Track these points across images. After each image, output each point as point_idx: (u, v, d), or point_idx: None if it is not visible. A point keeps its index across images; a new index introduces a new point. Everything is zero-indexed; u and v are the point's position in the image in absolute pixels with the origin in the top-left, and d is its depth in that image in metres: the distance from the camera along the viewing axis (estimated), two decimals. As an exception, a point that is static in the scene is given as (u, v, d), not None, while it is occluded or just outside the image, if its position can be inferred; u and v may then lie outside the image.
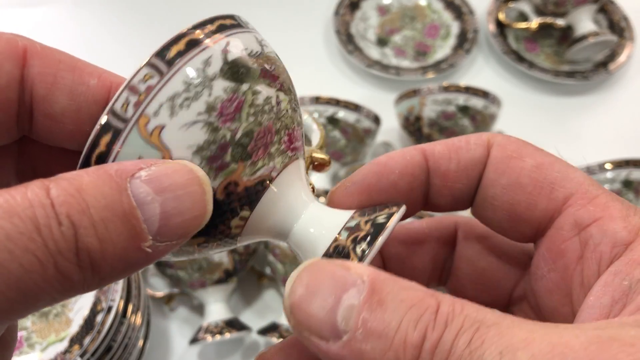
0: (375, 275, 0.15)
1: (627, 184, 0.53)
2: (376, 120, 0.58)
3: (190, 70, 0.17)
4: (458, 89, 0.57)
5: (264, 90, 0.18)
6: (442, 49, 0.71)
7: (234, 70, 0.17)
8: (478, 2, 0.73)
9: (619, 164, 0.53)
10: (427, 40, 0.73)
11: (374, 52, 0.71)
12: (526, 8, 0.71)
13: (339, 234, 0.18)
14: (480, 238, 0.22)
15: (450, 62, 0.68)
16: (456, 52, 0.70)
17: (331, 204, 0.20)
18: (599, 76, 0.68)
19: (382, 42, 0.73)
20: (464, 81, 0.69)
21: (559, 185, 0.18)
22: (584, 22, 0.68)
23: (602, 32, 0.67)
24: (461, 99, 0.57)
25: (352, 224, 0.18)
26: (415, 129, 0.59)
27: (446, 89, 0.57)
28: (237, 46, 0.18)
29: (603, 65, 0.69)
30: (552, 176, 0.19)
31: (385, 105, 0.61)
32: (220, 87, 0.17)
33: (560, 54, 0.71)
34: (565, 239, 0.18)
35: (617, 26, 0.71)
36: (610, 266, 0.17)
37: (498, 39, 0.71)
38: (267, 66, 0.18)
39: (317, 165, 0.23)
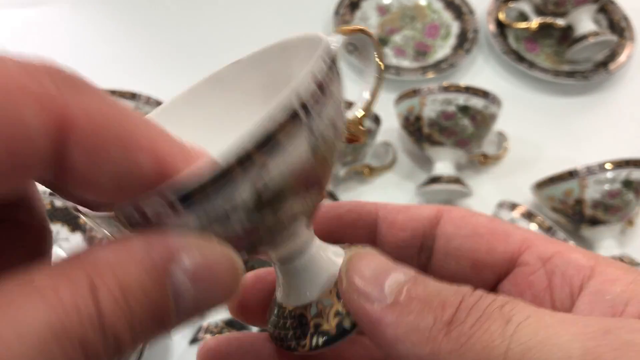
0: (421, 273, 0.18)
1: (627, 184, 0.53)
2: (376, 120, 0.58)
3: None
4: (458, 89, 0.57)
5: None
6: (442, 49, 0.71)
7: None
8: (478, 2, 0.73)
9: (619, 164, 0.53)
10: (427, 40, 0.73)
11: (374, 52, 0.71)
12: (526, 8, 0.71)
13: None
14: (461, 220, 0.23)
15: (450, 62, 0.68)
16: (456, 52, 0.70)
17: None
18: (599, 76, 0.68)
19: (382, 41, 0.72)
20: (464, 81, 0.69)
21: (513, 233, 0.22)
22: (584, 22, 0.68)
23: (602, 32, 0.67)
24: (461, 99, 0.57)
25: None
26: (415, 129, 0.59)
27: (446, 89, 0.57)
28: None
29: (603, 65, 0.69)
30: (505, 226, 0.22)
31: (385, 105, 0.61)
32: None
33: (560, 54, 0.71)
34: (532, 272, 0.21)
35: (617, 26, 0.71)
36: (585, 288, 0.19)
37: (498, 38, 0.70)
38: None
39: (348, 139, 0.23)
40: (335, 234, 0.23)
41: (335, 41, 0.19)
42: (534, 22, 0.70)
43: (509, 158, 0.63)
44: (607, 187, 0.53)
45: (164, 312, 0.14)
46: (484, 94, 0.57)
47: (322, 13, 0.74)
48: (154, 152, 0.14)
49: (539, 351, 0.15)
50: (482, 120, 0.58)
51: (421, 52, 0.72)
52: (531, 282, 0.21)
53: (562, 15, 0.69)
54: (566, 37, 0.71)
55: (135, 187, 0.14)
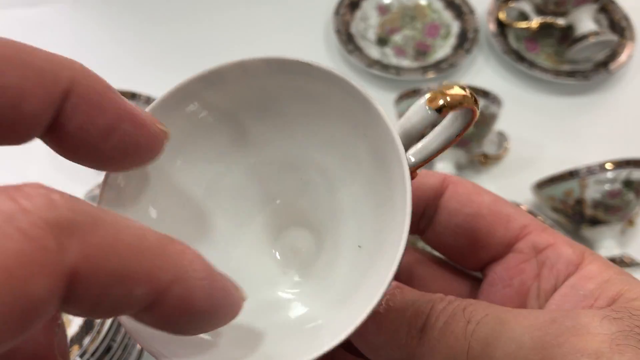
0: (400, 283, 0.20)
1: (628, 184, 0.53)
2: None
3: None
4: (458, 89, 0.57)
5: None
6: (443, 49, 0.71)
7: None
8: (478, 2, 0.73)
9: (620, 164, 0.53)
10: (427, 40, 0.73)
11: (374, 52, 0.71)
12: (526, 8, 0.71)
13: None
14: (464, 196, 0.24)
15: (450, 62, 0.68)
16: (456, 52, 0.70)
17: None
18: (600, 76, 0.68)
19: (382, 41, 0.72)
20: (464, 81, 0.69)
21: (514, 218, 0.22)
22: (585, 21, 0.67)
23: (603, 32, 0.67)
24: (461, 99, 0.56)
25: None
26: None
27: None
28: None
29: (604, 64, 0.69)
30: (507, 210, 0.23)
31: (385, 105, 0.61)
32: None
33: (560, 53, 0.71)
34: (525, 259, 0.21)
35: (618, 26, 0.71)
36: (566, 281, 0.20)
37: (498, 38, 0.70)
38: None
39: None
40: None
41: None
42: (535, 22, 0.70)
43: (510, 158, 0.63)
44: (607, 187, 0.53)
45: None
46: (484, 93, 0.57)
47: (322, 13, 0.74)
48: (150, 283, 0.13)
49: (495, 346, 0.17)
50: (482, 120, 0.58)
51: (421, 51, 0.72)
52: (522, 270, 0.21)
53: (562, 15, 0.69)
54: (566, 36, 0.71)
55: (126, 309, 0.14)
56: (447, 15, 0.74)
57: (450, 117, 0.19)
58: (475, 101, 0.19)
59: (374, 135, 0.19)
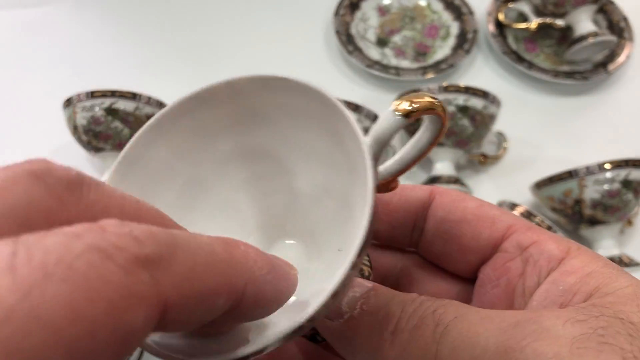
0: (377, 284, 0.20)
1: (626, 184, 0.53)
2: (376, 120, 0.58)
3: None
4: (458, 89, 0.57)
5: None
6: (442, 50, 0.71)
7: None
8: (478, 3, 0.74)
9: (619, 164, 0.53)
10: (427, 41, 0.73)
11: (373, 53, 0.71)
12: (526, 8, 0.72)
13: None
14: (451, 204, 0.24)
15: (449, 62, 0.69)
16: (456, 52, 0.70)
17: None
18: (599, 76, 0.68)
19: (382, 42, 0.73)
20: (463, 81, 0.69)
21: (499, 219, 0.22)
22: (584, 22, 0.68)
23: (602, 33, 0.68)
24: (461, 99, 0.57)
25: None
26: (415, 128, 0.59)
27: (446, 89, 0.57)
28: None
29: (602, 65, 0.69)
30: (492, 213, 0.23)
31: (385, 106, 0.61)
32: None
33: (559, 54, 0.72)
34: (510, 258, 0.22)
35: (617, 26, 0.72)
36: (548, 277, 0.20)
37: (498, 39, 0.71)
38: None
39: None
40: None
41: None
42: (534, 23, 0.70)
43: (509, 158, 0.63)
44: (606, 187, 0.53)
45: None
46: (483, 94, 0.57)
47: (322, 13, 0.74)
48: (229, 292, 0.14)
49: (462, 350, 0.17)
50: (481, 121, 0.58)
51: (421, 52, 0.72)
52: (508, 268, 0.22)
53: (561, 15, 0.69)
54: (565, 37, 0.71)
55: (209, 319, 0.15)
56: (447, 16, 0.74)
57: (422, 128, 0.21)
58: (443, 109, 0.20)
59: (347, 144, 0.20)
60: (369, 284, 0.20)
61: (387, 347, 0.18)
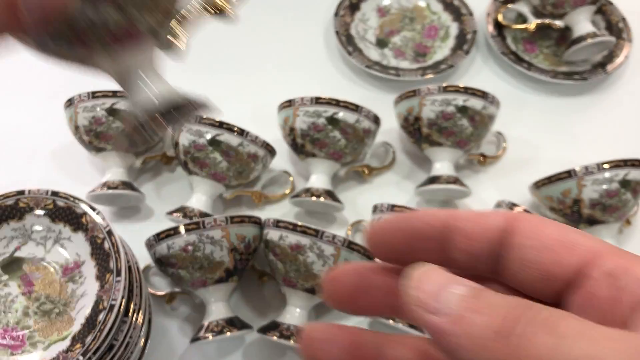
0: (481, 286, 0.20)
1: (625, 184, 0.53)
2: (376, 120, 0.59)
3: None
4: (457, 90, 0.57)
5: None
6: (442, 50, 0.72)
7: None
8: (477, 4, 0.74)
9: (617, 164, 0.53)
10: (426, 41, 0.73)
11: (373, 53, 0.71)
12: (524, 9, 0.72)
13: None
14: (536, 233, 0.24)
15: (449, 63, 0.69)
16: (455, 53, 0.70)
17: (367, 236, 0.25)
18: (597, 77, 0.68)
19: (381, 43, 0.73)
20: (463, 82, 0.69)
21: (579, 244, 0.22)
22: (582, 23, 0.68)
23: (600, 33, 0.68)
24: (460, 100, 0.57)
25: None
26: (415, 129, 0.59)
27: (445, 90, 0.57)
28: None
29: (601, 66, 0.70)
30: (572, 237, 0.22)
31: (384, 106, 0.62)
32: None
33: (558, 54, 0.72)
34: (596, 285, 0.21)
35: (615, 27, 0.72)
36: None
37: (497, 39, 0.71)
38: None
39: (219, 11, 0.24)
40: (403, 244, 0.24)
41: None
42: (532, 24, 0.71)
43: (508, 158, 0.63)
44: (605, 186, 0.53)
45: None
46: (482, 94, 0.57)
47: (322, 14, 0.75)
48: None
49: None
50: (480, 121, 0.58)
51: (420, 53, 0.72)
52: (594, 295, 0.21)
53: (560, 16, 0.70)
54: (564, 38, 0.71)
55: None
56: (446, 17, 0.74)
57: None
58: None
59: None
60: (472, 283, 0.20)
61: (495, 347, 0.18)
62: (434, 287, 0.20)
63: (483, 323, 0.19)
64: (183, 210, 0.55)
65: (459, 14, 0.73)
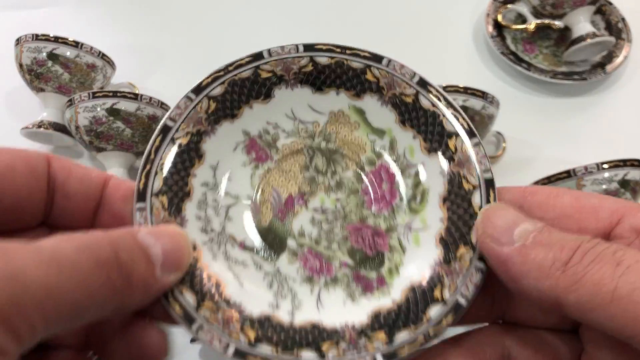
0: (547, 225, 0.21)
1: (624, 184, 0.53)
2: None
3: None
4: (457, 90, 0.57)
5: None
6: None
7: None
8: (477, 4, 0.74)
9: (617, 164, 0.53)
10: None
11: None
12: (524, 10, 0.72)
13: None
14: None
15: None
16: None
17: None
18: (597, 77, 0.69)
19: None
20: (462, 82, 0.69)
21: (600, 207, 0.23)
22: (582, 23, 0.68)
23: (600, 34, 0.68)
24: (460, 100, 0.57)
25: None
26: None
27: (445, 90, 0.57)
28: None
29: (600, 66, 0.70)
30: (592, 201, 0.23)
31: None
32: None
33: (558, 55, 0.72)
34: (627, 244, 0.22)
35: (615, 27, 0.72)
36: None
37: (496, 40, 0.71)
38: None
39: None
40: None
41: None
42: (532, 24, 0.71)
43: (507, 158, 0.63)
44: (604, 187, 0.53)
45: (145, 250, 0.22)
46: (482, 94, 0.58)
47: (323, 12, 0.75)
48: (97, 171, 0.26)
49: None
50: (480, 121, 0.58)
51: (420, 53, 0.72)
52: None
53: (559, 16, 0.70)
54: (564, 38, 0.71)
55: (94, 189, 0.26)
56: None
57: None
58: None
59: None
60: (539, 222, 0.21)
61: (558, 275, 0.19)
62: (506, 223, 0.22)
63: (548, 254, 0.20)
64: None
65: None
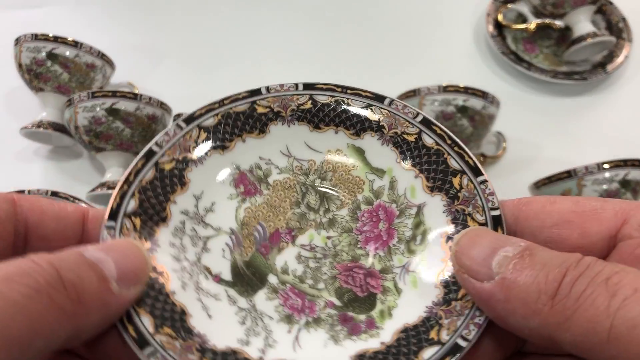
0: (531, 243, 0.19)
1: (625, 183, 0.53)
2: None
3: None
4: (457, 90, 0.57)
5: None
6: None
7: None
8: (477, 3, 0.74)
9: (617, 164, 0.53)
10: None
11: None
12: (524, 9, 0.72)
13: None
14: None
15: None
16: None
17: None
18: (597, 77, 0.68)
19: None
20: (462, 82, 0.69)
21: (602, 209, 0.21)
22: (582, 23, 0.68)
23: (601, 33, 0.68)
24: (460, 100, 0.57)
25: None
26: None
27: (445, 89, 0.57)
28: None
29: (601, 66, 0.70)
30: (591, 205, 0.21)
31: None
32: None
33: (558, 54, 0.72)
34: (637, 244, 0.20)
35: (616, 27, 0.72)
36: None
37: (497, 39, 0.71)
38: None
39: None
40: None
41: None
42: (532, 24, 0.71)
43: (508, 158, 0.63)
44: (605, 186, 0.53)
45: (95, 266, 0.20)
46: (482, 94, 0.57)
47: (324, 13, 0.75)
48: (73, 205, 0.24)
49: None
50: (480, 121, 0.58)
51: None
52: (638, 255, 0.20)
53: (560, 16, 0.70)
54: (564, 38, 0.71)
55: (73, 226, 0.24)
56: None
57: None
58: None
59: None
60: (522, 242, 0.19)
61: (546, 311, 0.17)
62: (483, 252, 0.19)
63: (531, 285, 0.17)
64: (104, 185, 0.56)
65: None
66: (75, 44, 0.61)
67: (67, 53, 0.60)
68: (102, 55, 0.63)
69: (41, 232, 0.23)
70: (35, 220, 0.23)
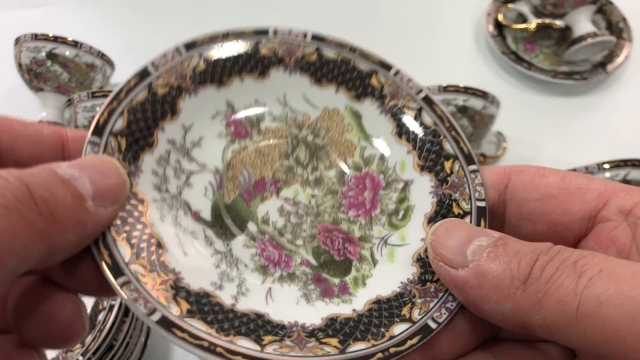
0: (505, 234, 0.20)
1: (625, 184, 0.53)
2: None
3: None
4: (457, 90, 0.57)
5: None
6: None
7: None
8: (477, 3, 0.74)
9: (617, 164, 0.53)
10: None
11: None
12: (525, 9, 0.72)
13: None
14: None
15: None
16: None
17: None
18: (598, 77, 0.68)
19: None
20: (463, 81, 0.69)
21: (586, 189, 0.21)
22: (583, 23, 0.68)
23: (601, 33, 0.68)
24: (460, 100, 0.57)
25: None
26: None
27: (445, 90, 0.57)
28: None
29: (601, 65, 0.69)
30: (577, 183, 0.21)
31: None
32: None
33: (558, 54, 0.72)
34: (614, 227, 0.20)
35: (616, 27, 0.72)
36: None
37: (497, 39, 0.71)
38: None
39: None
40: None
41: None
42: (533, 23, 0.71)
43: (508, 158, 0.63)
44: (605, 186, 0.53)
45: (68, 183, 0.19)
46: (482, 94, 0.57)
47: (324, 12, 0.75)
48: (49, 127, 0.22)
49: (610, 305, 0.16)
50: (480, 121, 0.58)
51: (420, 53, 0.72)
52: (615, 237, 0.20)
53: (560, 16, 0.70)
54: (565, 38, 0.71)
55: (50, 149, 0.22)
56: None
57: None
58: None
59: None
60: (495, 233, 0.20)
61: (518, 296, 0.17)
62: (458, 241, 0.20)
63: (504, 271, 0.18)
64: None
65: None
66: (75, 44, 0.61)
67: (67, 53, 0.60)
68: (102, 55, 0.63)
69: (16, 156, 0.22)
70: (8, 144, 0.21)
